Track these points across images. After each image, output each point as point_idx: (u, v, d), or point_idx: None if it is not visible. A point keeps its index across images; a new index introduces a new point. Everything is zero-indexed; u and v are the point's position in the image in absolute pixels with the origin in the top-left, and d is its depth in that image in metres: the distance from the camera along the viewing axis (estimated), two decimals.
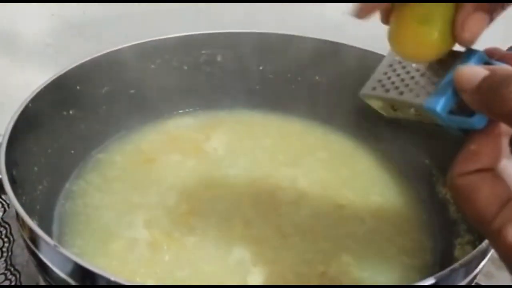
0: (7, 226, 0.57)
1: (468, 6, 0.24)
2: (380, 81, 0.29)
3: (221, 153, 0.48)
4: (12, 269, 0.53)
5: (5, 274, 0.53)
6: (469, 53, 0.26)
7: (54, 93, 0.40)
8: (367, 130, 0.49)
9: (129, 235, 0.39)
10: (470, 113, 0.24)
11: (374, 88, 0.29)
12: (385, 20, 0.27)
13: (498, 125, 0.24)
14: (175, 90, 0.51)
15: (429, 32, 0.25)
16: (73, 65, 0.42)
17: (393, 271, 0.38)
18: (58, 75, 0.41)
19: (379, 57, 0.45)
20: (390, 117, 0.30)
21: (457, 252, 0.37)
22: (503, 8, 0.25)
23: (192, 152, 0.48)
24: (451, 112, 0.25)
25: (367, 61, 0.46)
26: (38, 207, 0.37)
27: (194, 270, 0.36)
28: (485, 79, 0.22)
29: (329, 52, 0.50)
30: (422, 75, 0.27)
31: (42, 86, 0.39)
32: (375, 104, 0.30)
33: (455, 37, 0.25)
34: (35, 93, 0.38)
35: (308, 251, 0.38)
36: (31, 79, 0.59)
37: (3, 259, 0.54)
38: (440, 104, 0.25)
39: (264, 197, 0.43)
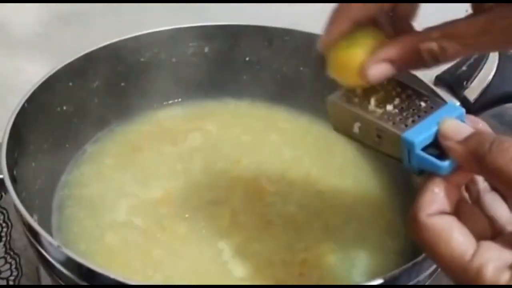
0: (4, 211, 0.59)
1: (379, 55, 0.28)
2: (354, 95, 0.30)
3: (209, 142, 0.50)
4: (11, 253, 0.56)
5: (5, 258, 0.55)
6: (453, 108, 0.28)
7: (47, 92, 0.42)
8: None
9: (123, 223, 0.41)
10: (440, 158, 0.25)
11: (345, 100, 0.30)
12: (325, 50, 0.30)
13: (459, 176, 0.25)
14: (164, 82, 0.53)
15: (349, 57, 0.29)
16: (65, 63, 0.44)
17: (373, 254, 0.40)
18: (51, 74, 0.42)
19: None
20: (339, 132, 0.31)
21: None
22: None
23: (182, 142, 0.49)
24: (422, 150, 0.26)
25: None
26: (37, 201, 0.39)
27: (185, 258, 0.39)
28: (476, 134, 0.25)
29: (312, 44, 0.51)
30: (399, 108, 0.29)
31: (36, 86, 0.40)
32: (336, 113, 0.31)
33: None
34: (30, 93, 0.39)
35: (291, 239, 0.40)
36: (22, 68, 0.60)
37: (2, 243, 0.57)
38: (419, 139, 0.26)
39: (251, 186, 0.45)
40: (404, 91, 0.30)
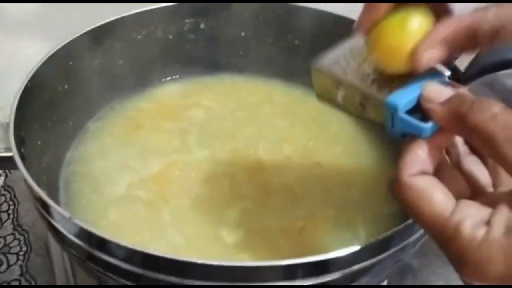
0: (10, 189, 0.61)
1: (434, 37, 0.27)
2: (338, 61, 0.30)
3: (207, 117, 0.51)
4: (20, 229, 0.58)
5: (13, 234, 0.57)
6: (436, 73, 0.28)
7: (49, 71, 0.42)
8: None
9: (127, 198, 0.43)
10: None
11: (331, 66, 0.30)
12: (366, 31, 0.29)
13: (441, 138, 0.26)
14: (162, 59, 0.54)
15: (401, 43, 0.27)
16: (64, 42, 0.45)
17: (369, 220, 0.42)
18: (51, 53, 0.43)
19: (352, 23, 0.49)
20: (322, 99, 0.31)
21: None
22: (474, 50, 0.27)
23: (180, 118, 0.51)
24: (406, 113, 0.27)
25: (342, 26, 0.49)
26: (44, 178, 0.41)
27: (187, 229, 0.41)
28: (456, 95, 0.26)
29: (306, 17, 0.53)
30: (383, 74, 0.29)
31: (38, 66, 0.41)
32: (320, 80, 0.31)
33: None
34: (32, 73, 0.40)
35: (290, 208, 0.42)
36: (20, 49, 0.61)
37: (10, 220, 0.59)
38: (402, 102, 0.27)
39: (250, 159, 0.46)
40: None
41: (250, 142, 0.48)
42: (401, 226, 0.30)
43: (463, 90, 0.27)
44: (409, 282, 0.47)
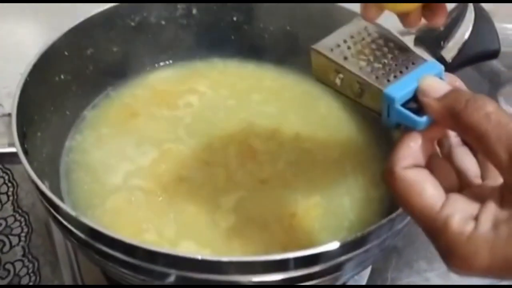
0: (8, 171, 0.62)
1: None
2: (338, 45, 0.31)
3: (201, 104, 0.52)
4: (20, 211, 0.59)
5: (14, 216, 0.59)
6: (433, 65, 0.29)
7: (46, 63, 0.43)
8: None
9: (126, 186, 0.44)
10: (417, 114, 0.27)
11: (331, 50, 0.30)
12: None
13: (434, 131, 0.27)
14: (155, 44, 0.54)
15: None
16: (60, 34, 0.45)
17: (357, 204, 0.44)
18: (48, 45, 0.44)
19: (345, 12, 0.50)
20: (320, 81, 0.32)
21: None
22: None
23: (175, 105, 0.52)
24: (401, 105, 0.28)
25: (334, 14, 0.50)
26: (46, 169, 0.42)
27: (185, 216, 0.42)
28: (453, 92, 0.26)
29: (299, 4, 0.53)
30: (382, 62, 0.30)
31: (36, 59, 0.42)
32: (319, 63, 0.31)
33: None
34: (30, 67, 0.41)
35: (281, 194, 0.44)
36: (14, 31, 0.61)
37: (9, 202, 0.60)
38: (400, 94, 0.27)
39: (243, 146, 0.48)
40: (387, 45, 0.31)
41: (242, 130, 0.49)
42: (385, 220, 0.32)
43: (459, 84, 0.28)
44: (393, 262, 0.49)
